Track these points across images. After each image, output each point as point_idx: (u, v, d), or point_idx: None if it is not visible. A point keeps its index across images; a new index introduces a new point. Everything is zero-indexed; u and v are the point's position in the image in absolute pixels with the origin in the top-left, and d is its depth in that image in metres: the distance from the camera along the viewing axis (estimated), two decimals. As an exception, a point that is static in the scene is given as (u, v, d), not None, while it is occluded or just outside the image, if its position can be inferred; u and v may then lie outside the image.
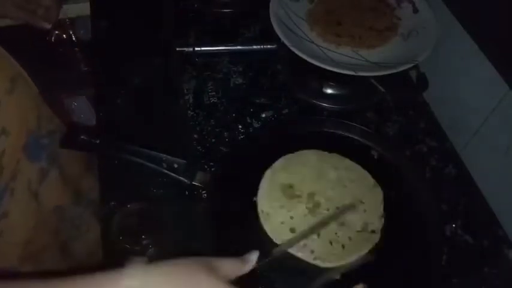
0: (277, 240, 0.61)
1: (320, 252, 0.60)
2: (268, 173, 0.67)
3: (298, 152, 0.70)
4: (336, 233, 0.62)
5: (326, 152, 0.70)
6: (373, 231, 0.63)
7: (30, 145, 0.62)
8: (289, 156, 0.69)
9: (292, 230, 0.61)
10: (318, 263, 0.59)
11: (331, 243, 0.61)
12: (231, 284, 0.45)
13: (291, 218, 0.63)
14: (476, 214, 0.70)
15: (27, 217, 0.63)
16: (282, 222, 0.62)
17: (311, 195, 0.65)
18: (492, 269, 0.64)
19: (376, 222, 0.64)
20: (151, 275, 0.42)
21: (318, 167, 0.68)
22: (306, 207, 0.64)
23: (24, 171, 0.61)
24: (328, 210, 0.64)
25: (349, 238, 0.62)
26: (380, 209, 0.65)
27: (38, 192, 0.65)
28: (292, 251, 0.59)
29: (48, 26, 0.83)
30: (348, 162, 0.70)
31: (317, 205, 0.64)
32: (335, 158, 0.70)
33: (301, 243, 0.60)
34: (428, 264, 0.61)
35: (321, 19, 0.82)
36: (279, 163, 0.68)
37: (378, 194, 0.67)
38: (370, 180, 0.68)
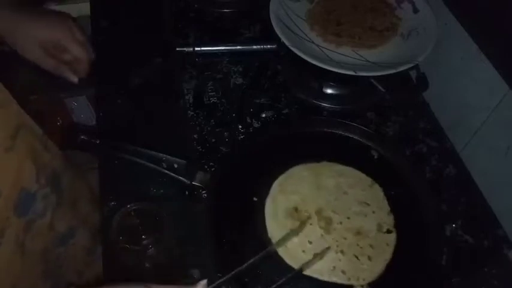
0: (304, 271, 0.59)
1: (352, 271, 0.59)
2: (268, 202, 0.65)
3: (288, 172, 0.68)
4: (357, 245, 0.61)
5: (314, 163, 0.69)
6: (388, 231, 0.63)
7: (21, 202, 0.62)
8: (281, 179, 0.68)
9: (316, 256, 0.60)
10: (354, 283, 0.59)
11: (357, 257, 0.60)
12: None
13: (310, 243, 0.61)
14: (476, 214, 0.70)
15: (13, 268, 0.63)
16: (303, 251, 0.61)
17: (319, 212, 0.64)
18: (492, 269, 0.64)
19: (387, 220, 0.64)
20: None
21: (313, 181, 0.67)
22: (320, 227, 0.63)
23: (12, 228, 0.61)
24: (341, 223, 0.63)
25: (371, 246, 0.61)
26: (385, 205, 0.65)
27: (25, 242, 0.64)
28: (325, 277, 0.59)
29: (75, 79, 0.80)
30: (339, 167, 0.69)
31: (329, 221, 0.63)
32: (326, 167, 0.69)
33: (331, 266, 0.59)
34: (428, 264, 0.61)
35: (321, 19, 0.82)
36: (274, 189, 0.67)
37: (378, 191, 0.67)
38: (367, 179, 0.68)
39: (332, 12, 0.83)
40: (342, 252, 0.61)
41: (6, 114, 0.59)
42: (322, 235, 0.62)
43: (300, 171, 0.69)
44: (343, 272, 0.59)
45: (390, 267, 0.60)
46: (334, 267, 0.59)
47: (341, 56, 0.77)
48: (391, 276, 0.60)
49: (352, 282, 0.59)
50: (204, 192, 0.66)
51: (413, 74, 0.82)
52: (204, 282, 0.48)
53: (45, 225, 0.68)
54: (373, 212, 0.65)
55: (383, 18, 0.81)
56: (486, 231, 0.68)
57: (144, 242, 0.56)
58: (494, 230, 0.68)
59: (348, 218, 0.64)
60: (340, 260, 0.60)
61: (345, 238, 0.62)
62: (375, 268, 0.60)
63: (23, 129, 0.62)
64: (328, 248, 0.60)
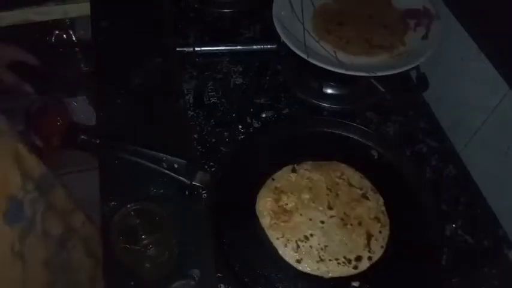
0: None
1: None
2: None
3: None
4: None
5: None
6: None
7: (11, 210, 0.62)
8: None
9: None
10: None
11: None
12: None
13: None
14: (476, 214, 0.70)
15: (13, 279, 0.63)
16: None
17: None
18: (492, 269, 0.64)
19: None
20: None
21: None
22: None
23: (4, 237, 0.61)
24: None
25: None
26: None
27: (23, 252, 0.64)
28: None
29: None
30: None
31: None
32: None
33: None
34: (428, 264, 0.61)
35: (328, 15, 0.82)
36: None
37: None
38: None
39: (343, 13, 0.83)
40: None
41: None
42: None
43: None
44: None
45: (390, 267, 0.60)
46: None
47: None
48: (391, 276, 0.60)
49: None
50: (204, 192, 0.66)
51: (413, 74, 0.82)
52: None
53: (40, 232, 0.68)
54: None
55: (387, 36, 0.79)
56: (486, 231, 0.68)
57: (144, 242, 0.56)
58: (494, 230, 0.68)
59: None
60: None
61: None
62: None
63: (3, 135, 0.63)
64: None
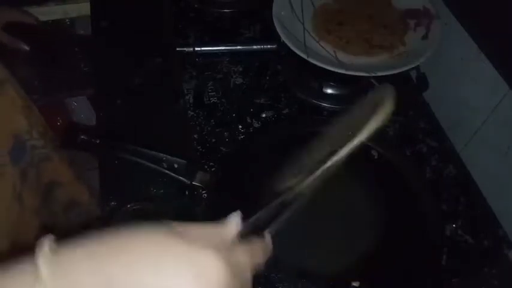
0: None
1: None
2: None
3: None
4: None
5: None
6: None
7: (15, 148, 0.62)
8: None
9: None
10: None
11: None
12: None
13: None
14: (476, 214, 0.70)
15: (11, 216, 0.63)
16: None
17: None
18: (492, 269, 0.64)
19: None
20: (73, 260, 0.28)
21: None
22: None
23: (9, 175, 0.61)
24: None
25: None
26: None
27: (22, 195, 0.65)
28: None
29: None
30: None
31: None
32: None
33: None
34: (428, 264, 0.61)
35: (328, 15, 0.82)
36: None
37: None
38: None
39: (343, 13, 0.83)
40: None
41: None
42: None
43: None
44: None
45: (390, 268, 0.60)
46: None
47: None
48: (390, 277, 0.60)
49: None
50: (204, 192, 0.66)
51: (413, 74, 0.82)
52: (236, 218, 0.38)
53: (34, 175, 0.68)
54: None
55: (387, 36, 0.79)
56: (486, 231, 0.68)
57: (144, 242, 0.56)
58: (494, 230, 0.68)
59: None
60: None
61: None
62: None
63: (8, 83, 0.64)
64: None
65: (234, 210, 0.65)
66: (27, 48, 0.93)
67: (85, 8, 1.03)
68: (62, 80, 1.25)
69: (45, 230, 0.71)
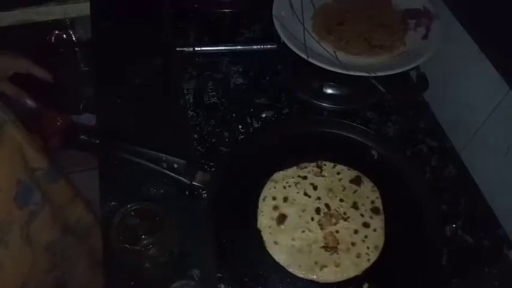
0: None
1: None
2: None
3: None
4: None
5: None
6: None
7: (20, 193, 0.63)
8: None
9: None
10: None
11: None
12: None
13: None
14: (476, 214, 0.70)
15: (21, 264, 0.64)
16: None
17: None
18: (492, 269, 0.64)
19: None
20: None
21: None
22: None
23: (16, 221, 0.62)
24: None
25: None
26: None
27: (29, 234, 0.65)
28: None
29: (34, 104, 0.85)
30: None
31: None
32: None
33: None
34: (428, 264, 0.61)
35: (328, 15, 0.82)
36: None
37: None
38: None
39: (343, 13, 0.83)
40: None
41: None
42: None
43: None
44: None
45: (390, 268, 0.60)
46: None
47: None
48: (390, 277, 0.60)
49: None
50: (204, 192, 0.66)
51: (413, 74, 0.82)
52: None
53: (49, 215, 0.68)
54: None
55: (387, 36, 0.79)
56: (486, 231, 0.68)
57: (144, 242, 0.56)
58: (494, 230, 0.68)
59: (337, 231, 0.63)
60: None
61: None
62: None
63: (7, 124, 0.64)
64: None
65: (233, 209, 0.66)
66: (34, 105, 0.85)
67: (85, 8, 1.02)
68: (62, 80, 1.25)
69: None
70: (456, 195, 0.71)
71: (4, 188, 0.60)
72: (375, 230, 0.63)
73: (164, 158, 0.66)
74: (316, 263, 0.60)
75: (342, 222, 0.64)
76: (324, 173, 0.69)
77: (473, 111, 0.74)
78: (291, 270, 0.59)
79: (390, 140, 0.77)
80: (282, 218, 0.63)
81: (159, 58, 0.85)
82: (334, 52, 0.77)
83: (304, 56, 0.72)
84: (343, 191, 0.67)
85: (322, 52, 0.77)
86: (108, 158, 0.70)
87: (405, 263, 0.61)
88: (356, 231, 0.63)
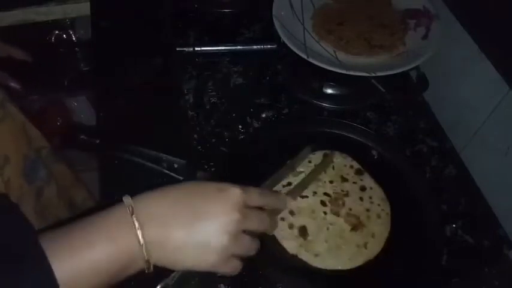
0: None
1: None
2: None
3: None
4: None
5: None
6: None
7: (27, 169, 0.63)
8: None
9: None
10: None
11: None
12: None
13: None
14: (476, 214, 0.70)
15: None
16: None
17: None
18: (492, 269, 0.64)
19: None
20: (158, 203, 0.44)
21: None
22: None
23: (26, 196, 0.62)
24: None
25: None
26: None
27: (38, 211, 0.65)
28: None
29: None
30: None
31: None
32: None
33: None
34: (428, 264, 0.61)
35: (327, 15, 0.82)
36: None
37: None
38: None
39: (343, 13, 0.83)
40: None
41: None
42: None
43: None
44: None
45: (390, 267, 0.60)
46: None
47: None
48: (390, 276, 0.60)
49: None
50: (204, 192, 0.66)
51: (413, 74, 0.82)
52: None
53: (55, 192, 0.68)
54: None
55: (387, 36, 0.79)
56: (486, 231, 0.68)
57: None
58: (494, 230, 0.68)
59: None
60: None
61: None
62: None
63: (8, 103, 0.65)
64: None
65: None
66: (18, 86, 0.86)
67: (85, 8, 1.03)
68: (62, 80, 1.25)
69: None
70: (456, 195, 0.71)
71: (13, 161, 0.60)
72: (371, 188, 0.66)
73: (164, 158, 0.66)
74: (358, 246, 0.61)
75: (346, 199, 0.65)
76: (300, 170, 0.68)
77: (473, 111, 0.74)
78: (342, 268, 0.59)
79: (390, 140, 0.77)
80: (303, 231, 0.62)
81: (159, 58, 0.85)
82: (334, 52, 0.77)
83: (304, 56, 0.72)
84: (326, 173, 0.67)
85: (322, 52, 0.77)
86: (108, 158, 0.70)
87: (405, 263, 0.61)
88: (361, 198, 0.65)
